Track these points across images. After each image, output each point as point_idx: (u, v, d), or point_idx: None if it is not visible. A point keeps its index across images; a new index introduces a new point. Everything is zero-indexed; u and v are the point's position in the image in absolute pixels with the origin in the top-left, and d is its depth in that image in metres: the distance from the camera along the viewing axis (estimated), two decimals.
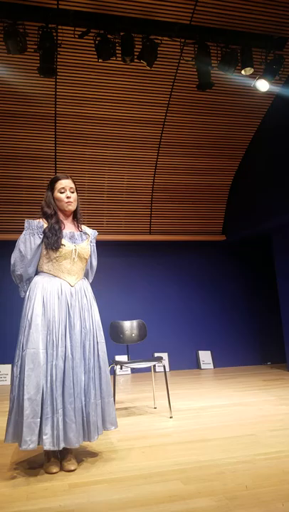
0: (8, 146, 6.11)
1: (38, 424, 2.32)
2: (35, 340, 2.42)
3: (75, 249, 2.63)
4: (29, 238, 2.59)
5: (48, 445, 2.30)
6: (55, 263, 2.59)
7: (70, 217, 2.77)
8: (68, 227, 2.72)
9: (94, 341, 2.59)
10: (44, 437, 2.30)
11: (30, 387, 2.34)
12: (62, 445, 2.33)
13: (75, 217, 2.79)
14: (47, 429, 2.32)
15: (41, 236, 2.60)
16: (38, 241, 2.60)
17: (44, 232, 2.60)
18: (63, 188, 2.69)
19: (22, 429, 2.29)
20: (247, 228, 6.96)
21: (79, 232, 2.74)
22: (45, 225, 2.63)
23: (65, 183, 2.70)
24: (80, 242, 2.70)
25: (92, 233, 2.86)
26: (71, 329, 2.50)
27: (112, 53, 4.63)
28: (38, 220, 2.65)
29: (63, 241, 2.60)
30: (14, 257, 2.61)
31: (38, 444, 2.32)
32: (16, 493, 2.15)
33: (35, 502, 2.03)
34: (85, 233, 2.79)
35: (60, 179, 2.72)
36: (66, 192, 2.69)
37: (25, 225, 2.64)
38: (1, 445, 2.97)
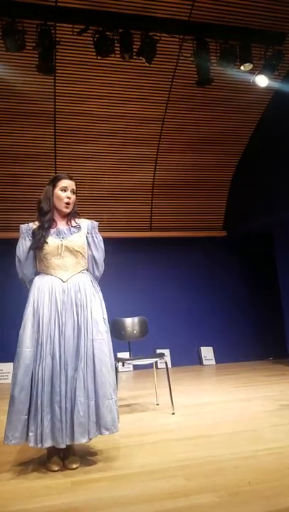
0: (7, 144, 6.11)
1: (23, 422, 2.35)
2: (22, 339, 2.47)
3: (62, 244, 2.59)
4: (22, 242, 2.66)
5: (31, 442, 2.34)
6: (44, 261, 2.61)
7: (64, 214, 2.74)
8: (59, 224, 2.70)
9: (88, 338, 2.49)
10: (30, 434, 2.34)
11: (15, 385, 2.39)
12: (48, 444, 2.33)
13: (69, 214, 2.74)
14: (32, 427, 2.35)
15: (31, 238, 2.64)
16: (29, 243, 2.64)
17: (33, 232, 2.64)
18: (66, 187, 2.69)
19: (6, 425, 2.36)
20: (248, 224, 6.95)
21: (68, 227, 2.69)
22: (34, 227, 2.67)
23: (68, 183, 2.71)
24: (69, 236, 2.64)
25: (88, 224, 2.76)
26: (61, 326, 2.46)
27: (111, 50, 4.62)
28: (26, 224, 2.70)
29: (48, 238, 2.59)
30: (16, 263, 2.68)
31: (26, 441, 2.36)
32: (19, 491, 2.16)
33: (38, 500, 2.04)
34: (77, 226, 2.71)
35: (63, 178, 2.72)
36: (67, 192, 2.69)
37: (20, 230, 2.71)
38: (3, 443, 2.98)
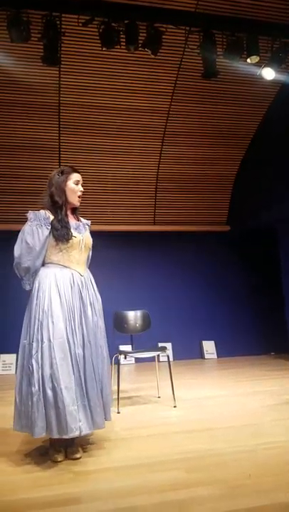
0: (11, 135, 6.09)
1: (78, 411, 2.37)
2: (61, 329, 2.44)
3: (82, 239, 2.67)
4: (36, 230, 2.56)
5: (84, 430, 2.37)
6: (65, 254, 2.61)
7: (71, 209, 2.78)
8: (70, 218, 2.74)
9: (101, 329, 2.67)
10: (80, 423, 2.35)
11: (64, 376, 2.37)
12: (93, 429, 2.45)
13: (74, 208, 2.81)
14: (81, 415, 2.38)
15: (49, 227, 2.59)
16: (46, 232, 2.58)
17: (52, 223, 2.60)
18: (78, 180, 2.73)
19: (66, 418, 2.31)
20: (251, 219, 6.93)
21: (81, 223, 2.78)
22: (52, 217, 2.63)
23: (79, 177, 2.75)
24: (84, 232, 2.74)
25: (87, 223, 2.88)
26: (86, 318, 2.56)
27: (117, 42, 4.57)
28: (43, 211, 2.64)
29: (73, 232, 2.63)
30: (20, 249, 2.57)
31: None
32: (22, 481, 2.18)
33: (41, 490, 2.07)
34: (86, 224, 2.83)
35: (76, 172, 2.75)
36: (79, 185, 2.73)
37: (31, 216, 2.61)
38: (6, 434, 3.01)
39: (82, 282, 2.62)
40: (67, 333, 2.46)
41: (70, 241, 2.59)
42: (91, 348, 2.52)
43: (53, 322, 2.44)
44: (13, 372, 6.03)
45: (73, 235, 2.61)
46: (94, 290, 2.71)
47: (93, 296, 2.68)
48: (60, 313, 2.47)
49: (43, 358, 2.39)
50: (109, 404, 2.63)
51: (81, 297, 2.58)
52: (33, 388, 2.38)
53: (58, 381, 2.35)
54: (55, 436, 2.35)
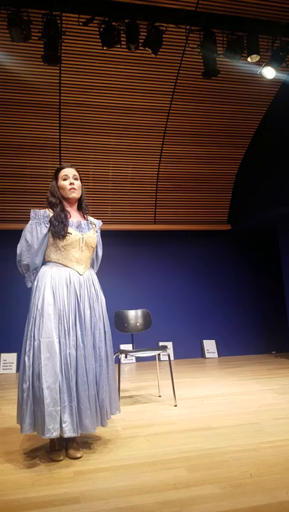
0: (12, 135, 6.09)
1: (59, 412, 2.36)
2: (49, 329, 2.44)
3: (82, 238, 2.65)
4: (35, 227, 2.61)
5: (68, 432, 2.35)
6: (63, 252, 2.61)
7: (76, 207, 2.79)
8: (74, 216, 2.73)
9: (103, 330, 2.64)
10: (64, 425, 2.35)
11: (48, 376, 2.37)
12: (80, 432, 2.40)
13: (81, 206, 2.81)
14: (66, 417, 2.36)
15: (48, 225, 2.61)
16: (45, 230, 2.61)
17: (50, 220, 2.62)
18: (66, 175, 2.72)
19: (44, 418, 2.31)
20: (252, 217, 6.92)
21: (85, 221, 2.77)
22: (51, 214, 2.65)
23: (68, 171, 2.73)
24: (87, 231, 2.72)
25: (97, 223, 2.89)
26: (81, 318, 2.53)
27: (117, 41, 4.57)
28: (44, 210, 2.67)
29: (70, 229, 2.61)
30: (20, 246, 2.62)
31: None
32: (22, 480, 2.18)
33: (41, 489, 2.06)
34: (91, 222, 2.82)
35: (62, 168, 2.76)
36: (69, 179, 2.71)
37: (32, 214, 2.66)
38: (6, 433, 3.01)
39: (80, 282, 2.60)
40: (59, 333, 2.46)
41: (67, 238, 2.59)
42: (85, 350, 2.48)
43: (43, 321, 2.46)
44: (14, 371, 6.04)
45: (70, 231, 2.60)
46: (95, 290, 2.68)
47: (94, 296, 2.65)
48: (51, 312, 2.48)
49: (34, 356, 2.43)
50: (107, 409, 2.55)
51: (78, 297, 2.56)
52: (24, 385, 2.44)
53: (41, 380, 2.36)
54: (39, 434, 2.36)
